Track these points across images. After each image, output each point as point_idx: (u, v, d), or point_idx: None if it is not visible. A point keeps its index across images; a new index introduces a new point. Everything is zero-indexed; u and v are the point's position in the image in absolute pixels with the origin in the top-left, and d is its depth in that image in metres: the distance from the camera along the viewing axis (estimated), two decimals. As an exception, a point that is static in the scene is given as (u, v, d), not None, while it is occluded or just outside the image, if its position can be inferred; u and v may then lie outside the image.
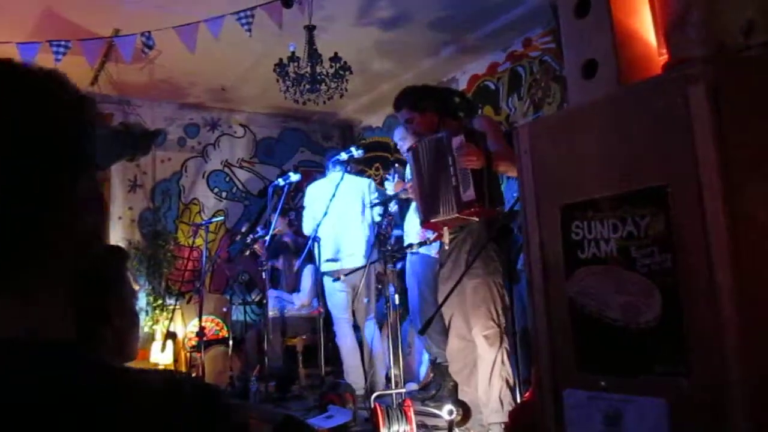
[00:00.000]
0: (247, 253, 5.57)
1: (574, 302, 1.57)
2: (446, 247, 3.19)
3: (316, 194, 4.62)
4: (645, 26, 1.64)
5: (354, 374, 4.40)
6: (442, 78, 6.21)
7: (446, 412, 2.23)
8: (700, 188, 1.31)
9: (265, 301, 4.93)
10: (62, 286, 0.67)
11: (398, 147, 4.49)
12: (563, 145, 1.62)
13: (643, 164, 1.43)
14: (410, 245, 3.71)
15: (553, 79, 5.04)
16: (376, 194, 4.56)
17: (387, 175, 3.73)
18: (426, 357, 4.53)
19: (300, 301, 5.45)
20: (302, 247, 5.36)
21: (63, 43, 4.26)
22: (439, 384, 4.06)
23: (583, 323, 1.55)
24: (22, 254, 0.63)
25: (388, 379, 3.73)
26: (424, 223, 3.28)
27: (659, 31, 1.63)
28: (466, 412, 2.29)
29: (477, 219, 3.01)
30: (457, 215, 3.01)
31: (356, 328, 4.59)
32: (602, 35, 1.60)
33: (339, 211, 4.51)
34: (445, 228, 3.16)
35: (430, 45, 5.62)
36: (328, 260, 4.51)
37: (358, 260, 4.35)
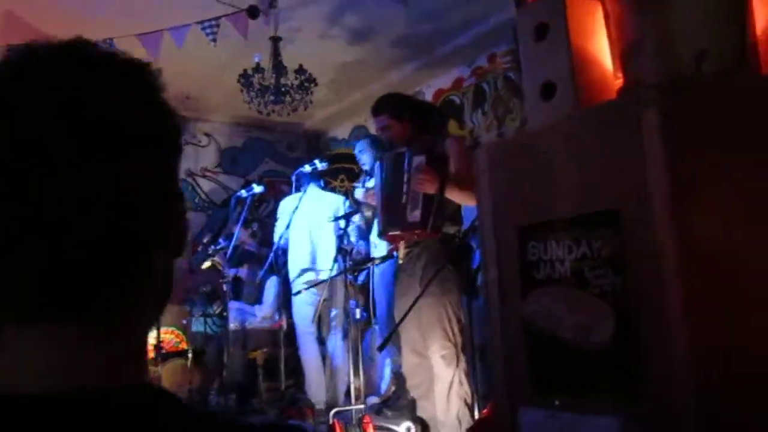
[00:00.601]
0: (208, 264, 5.50)
1: (529, 322, 1.58)
2: (400, 262, 3.20)
3: (287, 207, 4.59)
4: (602, 50, 1.68)
5: (315, 388, 4.37)
6: (408, 91, 6.21)
7: (404, 428, 2.22)
8: (652, 212, 1.34)
9: (225, 314, 4.87)
10: (149, 314, 0.60)
11: (358, 159, 4.48)
12: (520, 167, 1.64)
13: (597, 187, 1.45)
14: (372, 258, 3.71)
15: (516, 95, 5.11)
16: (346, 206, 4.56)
17: (356, 183, 3.71)
18: (388, 371, 4.52)
19: (262, 313, 5.39)
20: (266, 258, 5.32)
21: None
22: (399, 397, 4.06)
23: (537, 343, 1.57)
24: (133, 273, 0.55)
25: (348, 393, 3.70)
26: (382, 235, 3.28)
27: (615, 56, 1.67)
28: (424, 429, 2.28)
29: (419, 239, 3.02)
30: (400, 232, 3.03)
31: (320, 341, 4.55)
32: (560, 58, 1.62)
33: (312, 226, 4.50)
34: (402, 242, 3.17)
35: (396, 58, 5.66)
36: (302, 272, 4.46)
37: (326, 275, 4.34)
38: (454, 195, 3.00)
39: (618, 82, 1.65)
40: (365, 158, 4.40)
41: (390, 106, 3.33)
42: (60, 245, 0.50)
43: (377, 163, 3.35)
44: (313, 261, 4.46)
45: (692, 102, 1.38)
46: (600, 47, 1.68)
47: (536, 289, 1.58)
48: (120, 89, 0.57)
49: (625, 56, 1.62)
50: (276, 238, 4.50)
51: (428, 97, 6.13)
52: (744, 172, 1.35)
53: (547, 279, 1.54)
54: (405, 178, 3.00)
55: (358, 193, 3.98)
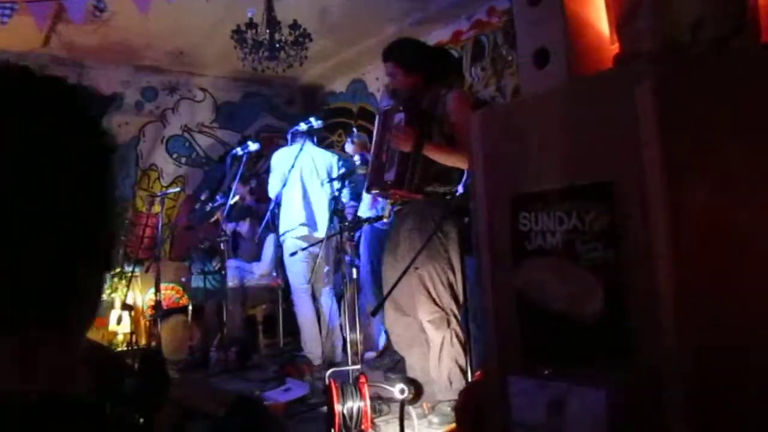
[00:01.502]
0: (212, 220, 5.51)
1: (521, 292, 1.59)
2: (385, 220, 3.14)
3: (281, 160, 4.54)
4: (598, 16, 1.63)
5: (311, 344, 4.42)
6: (405, 44, 6.14)
7: (398, 390, 2.26)
8: (644, 187, 1.33)
9: (224, 271, 4.90)
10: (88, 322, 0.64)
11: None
12: (513, 136, 1.62)
13: (589, 159, 1.43)
14: (365, 219, 3.71)
15: (515, 48, 5.02)
16: (343, 170, 4.52)
17: (348, 138, 3.65)
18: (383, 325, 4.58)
19: (260, 270, 5.42)
20: (264, 214, 5.32)
21: (8, 4, 4.07)
22: (393, 352, 4.12)
23: (528, 313, 1.57)
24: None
25: (345, 349, 3.75)
26: (367, 190, 3.22)
27: (611, 21, 1.62)
28: (417, 389, 2.32)
29: (402, 199, 2.96)
30: (379, 191, 2.97)
31: (314, 299, 4.58)
32: (554, 24, 1.58)
33: (306, 184, 4.48)
34: (387, 201, 3.12)
35: (394, 11, 5.53)
36: (296, 228, 4.44)
37: (322, 232, 4.34)
38: (439, 156, 2.92)
39: (614, 47, 1.61)
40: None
41: (398, 53, 3.17)
42: None
43: (376, 118, 3.26)
44: (308, 218, 4.45)
45: (688, 72, 1.35)
46: (596, 12, 1.64)
47: (528, 259, 1.58)
48: (42, 116, 0.58)
49: (621, 21, 1.58)
50: (272, 194, 4.47)
51: (426, 50, 6.02)
52: (741, 144, 1.33)
53: (539, 250, 1.54)
54: (386, 136, 2.94)
55: (348, 148, 3.93)
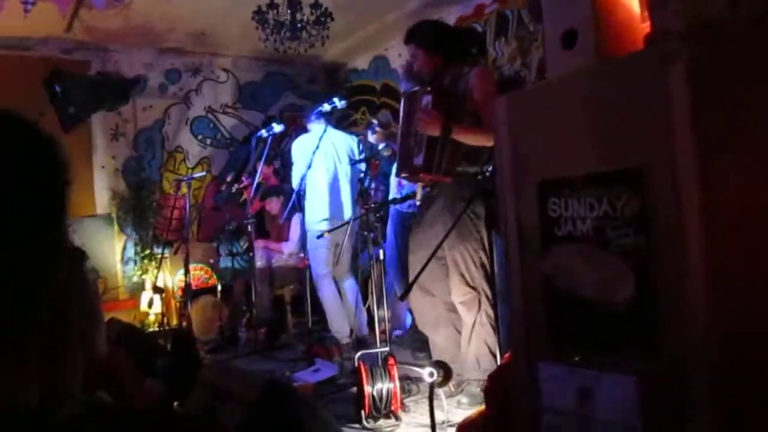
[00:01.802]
0: (242, 199, 5.54)
1: (549, 278, 1.57)
2: (417, 203, 3.15)
3: (301, 149, 4.54)
4: (627, -8, 1.58)
5: (338, 325, 4.45)
6: (428, 19, 6.05)
7: (427, 374, 2.26)
8: (676, 170, 1.29)
9: (251, 253, 4.94)
10: (36, 342, 0.66)
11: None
12: (541, 120, 1.59)
13: (620, 143, 1.40)
14: (394, 199, 3.69)
15: (539, 21, 4.92)
16: (363, 153, 4.50)
17: (367, 129, 3.63)
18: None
19: (288, 250, 5.46)
20: (289, 195, 5.34)
21: (32, -8, 4.09)
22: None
23: (557, 299, 1.55)
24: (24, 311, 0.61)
25: (372, 327, 3.77)
26: (397, 175, 3.21)
27: (643, 0, 1.57)
28: (446, 372, 2.32)
29: (429, 182, 2.93)
30: (407, 175, 2.95)
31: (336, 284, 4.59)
32: (583, 3, 1.54)
33: (330, 171, 4.48)
34: (418, 184, 3.11)
35: (415, -14, 5.46)
36: (322, 219, 4.45)
37: (345, 216, 4.34)
38: (466, 137, 2.89)
39: (645, 26, 1.56)
40: (402, 87, 4.29)
41: (419, 35, 3.18)
42: None
43: (401, 101, 3.25)
44: (335, 209, 4.45)
45: (723, 53, 1.30)
46: (626, -11, 1.58)
47: (556, 245, 1.55)
48: None
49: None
50: (296, 181, 4.48)
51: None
52: (776, 126, 1.29)
53: (568, 236, 1.52)
54: (414, 120, 2.91)
55: (371, 137, 3.91)
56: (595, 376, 1.48)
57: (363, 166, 3.75)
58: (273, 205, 5.72)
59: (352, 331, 4.40)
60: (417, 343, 4.23)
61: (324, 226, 4.30)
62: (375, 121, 3.51)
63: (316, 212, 4.46)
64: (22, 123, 0.70)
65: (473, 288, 2.94)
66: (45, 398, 0.69)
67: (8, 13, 4.19)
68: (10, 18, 4.27)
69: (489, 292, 2.95)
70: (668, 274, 1.32)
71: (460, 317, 3.05)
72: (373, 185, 4.22)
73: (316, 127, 4.48)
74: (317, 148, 4.16)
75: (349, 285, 4.52)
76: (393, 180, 4.20)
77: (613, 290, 1.42)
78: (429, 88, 2.92)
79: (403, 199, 3.56)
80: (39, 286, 0.65)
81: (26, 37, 5.87)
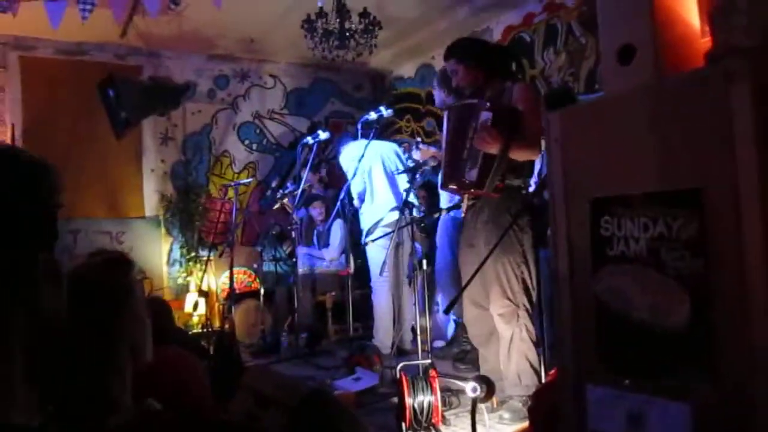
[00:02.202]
0: (278, 205, 5.60)
1: (600, 299, 1.53)
2: (462, 215, 3.16)
3: (348, 157, 4.58)
4: (688, 8, 1.54)
5: (383, 333, 4.45)
6: (475, 28, 6.02)
7: (470, 389, 2.24)
8: (737, 191, 1.25)
9: (294, 259, 4.98)
10: (17, 364, 0.67)
11: (434, 89, 4.33)
12: (595, 136, 1.55)
13: (678, 163, 1.36)
14: (439, 209, 3.68)
15: (591, 31, 4.84)
16: (405, 157, 4.50)
17: (413, 147, 3.63)
18: (453, 316, 4.55)
19: (329, 256, 5.49)
20: (333, 201, 5.37)
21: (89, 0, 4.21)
22: (462, 342, 4.10)
23: (608, 320, 1.52)
24: None
25: (415, 339, 3.75)
26: (443, 187, 3.22)
27: (704, 13, 1.53)
28: (489, 387, 2.29)
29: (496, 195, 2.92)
30: (456, 188, 2.95)
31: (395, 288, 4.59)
32: (641, 18, 1.50)
33: (375, 174, 4.50)
34: (465, 195, 3.11)
35: (464, -7, 5.44)
36: (375, 224, 4.48)
37: (390, 223, 4.33)
38: (518, 154, 2.90)
39: (706, 42, 1.51)
40: (435, 95, 4.29)
41: (458, 50, 3.23)
42: None
43: (445, 113, 3.26)
44: (384, 206, 4.46)
45: (789, 71, 1.25)
46: (686, 3, 1.54)
47: (608, 265, 1.52)
48: None
49: (715, 14, 1.48)
50: (355, 193, 4.52)
51: (497, 34, 5.90)
52: None
53: (621, 256, 1.48)
54: (470, 134, 2.90)
55: (416, 155, 3.92)
56: (647, 401, 1.44)
57: (408, 176, 3.74)
58: (316, 211, 5.76)
59: (393, 343, 4.39)
60: (459, 354, 4.20)
61: (382, 220, 4.30)
62: (419, 139, 3.51)
63: (370, 214, 4.47)
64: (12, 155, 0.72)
65: (512, 301, 2.92)
66: (93, 407, 0.70)
67: (66, 19, 4.32)
68: (68, 24, 4.40)
69: (528, 306, 2.93)
70: (727, 300, 1.28)
71: None
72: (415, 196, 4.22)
73: (361, 135, 4.50)
74: (362, 156, 4.17)
75: (401, 292, 4.52)
76: (443, 192, 4.18)
77: (667, 314, 1.38)
78: (488, 104, 2.92)
79: (449, 209, 3.55)
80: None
81: (82, 42, 6.05)
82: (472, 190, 2.90)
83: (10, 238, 0.65)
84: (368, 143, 4.15)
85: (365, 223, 4.57)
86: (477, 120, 2.87)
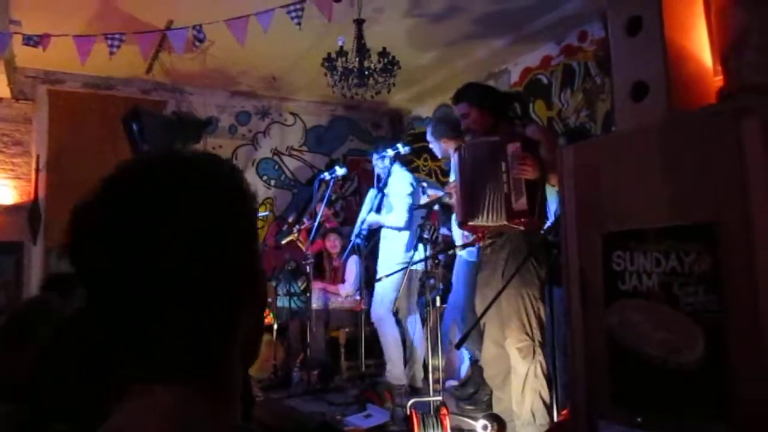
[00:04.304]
0: (290, 238, 5.61)
1: (613, 334, 1.52)
2: (484, 252, 3.16)
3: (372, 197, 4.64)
4: (700, 45, 1.56)
5: (395, 367, 4.41)
6: (494, 69, 6.09)
7: (481, 426, 2.21)
8: (751, 228, 1.25)
9: (309, 294, 4.97)
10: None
11: (429, 143, 4.39)
12: (609, 171, 1.56)
13: (691, 198, 1.36)
14: (454, 245, 3.67)
15: (608, 74, 4.88)
16: (426, 197, 4.51)
17: (438, 192, 3.67)
18: (467, 355, 4.50)
19: (345, 291, 5.48)
20: (348, 236, 5.38)
21: (117, 36, 4.34)
22: (477, 384, 4.04)
23: (620, 356, 1.50)
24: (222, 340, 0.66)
25: (426, 378, 3.71)
26: (462, 225, 3.23)
27: (715, 52, 1.55)
28: (500, 426, 2.25)
29: (522, 229, 2.94)
30: (506, 223, 2.95)
31: (398, 324, 4.57)
32: (654, 56, 1.52)
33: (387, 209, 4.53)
34: (485, 233, 3.13)
35: (482, 36, 5.51)
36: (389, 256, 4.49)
37: (398, 260, 4.34)
38: (552, 180, 2.94)
39: (717, 80, 1.53)
40: (435, 148, 4.33)
41: (469, 93, 3.30)
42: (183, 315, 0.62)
43: (456, 154, 3.30)
44: (399, 247, 4.47)
45: (802, 108, 1.26)
46: (698, 42, 1.56)
47: (620, 300, 1.51)
48: (198, 197, 0.65)
49: (726, 52, 1.50)
50: (357, 225, 4.54)
51: (515, 75, 5.96)
52: None
53: (633, 291, 1.48)
54: (503, 167, 2.94)
55: (423, 200, 3.95)
56: (660, 440, 1.41)
57: (423, 212, 3.75)
58: (332, 243, 5.77)
59: (407, 376, 4.35)
60: (471, 394, 4.14)
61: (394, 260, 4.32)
62: (425, 184, 3.56)
63: (384, 251, 4.49)
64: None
65: (530, 336, 2.91)
66: None
67: (94, 54, 4.44)
68: (96, 59, 4.53)
69: (542, 342, 2.91)
70: (742, 336, 1.27)
71: None
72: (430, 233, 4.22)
73: (380, 169, 4.53)
74: (380, 192, 4.21)
75: (411, 326, 4.50)
76: (455, 227, 4.18)
77: (681, 350, 1.37)
78: (512, 137, 2.98)
79: (464, 246, 3.55)
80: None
81: (109, 77, 6.21)
82: (522, 219, 2.92)
83: None
84: (386, 179, 4.18)
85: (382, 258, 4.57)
86: (506, 153, 2.92)
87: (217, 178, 0.68)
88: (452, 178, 3.58)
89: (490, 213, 3.00)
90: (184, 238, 0.61)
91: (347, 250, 5.13)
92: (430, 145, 4.29)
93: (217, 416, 0.65)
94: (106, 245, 0.60)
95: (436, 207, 3.62)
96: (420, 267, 3.98)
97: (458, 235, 4.08)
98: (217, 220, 0.64)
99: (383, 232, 4.61)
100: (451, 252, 4.09)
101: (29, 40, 4.33)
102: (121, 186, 0.64)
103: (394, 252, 4.48)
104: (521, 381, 2.92)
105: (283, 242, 5.72)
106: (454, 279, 4.33)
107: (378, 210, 4.51)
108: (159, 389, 0.63)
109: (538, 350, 2.92)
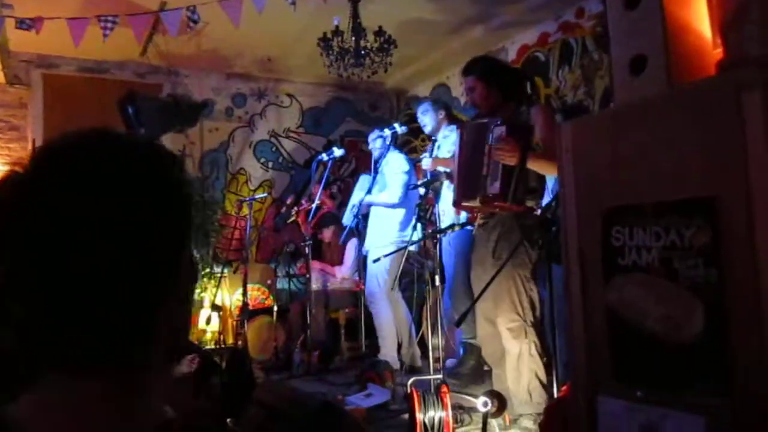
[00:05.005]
0: (292, 219, 5.61)
1: (612, 310, 1.52)
2: (475, 233, 3.17)
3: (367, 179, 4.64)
4: (699, 17, 1.54)
5: (390, 350, 4.44)
6: (491, 48, 6.05)
7: (481, 404, 2.22)
8: (750, 200, 1.24)
9: (308, 275, 4.98)
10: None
11: (419, 121, 4.37)
12: (607, 146, 1.55)
13: (690, 172, 1.36)
14: (452, 225, 3.66)
15: (605, 50, 4.85)
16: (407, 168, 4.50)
17: (423, 153, 3.66)
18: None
19: (342, 274, 5.49)
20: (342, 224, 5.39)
21: (110, 18, 4.29)
22: (471, 363, 4.07)
23: (620, 332, 1.50)
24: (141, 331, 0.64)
25: (426, 356, 3.73)
26: (456, 205, 3.22)
27: (715, 24, 1.53)
28: (501, 403, 2.27)
29: (499, 212, 2.94)
30: (479, 205, 2.96)
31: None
32: (653, 29, 1.51)
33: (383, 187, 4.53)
34: (478, 214, 3.13)
35: (479, 14, 5.47)
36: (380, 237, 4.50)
37: (391, 239, 4.34)
38: (539, 166, 2.90)
39: (717, 53, 1.51)
40: (427, 119, 4.31)
41: (479, 67, 3.25)
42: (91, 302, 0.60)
43: (457, 132, 3.28)
44: (392, 225, 4.47)
45: (802, 79, 1.25)
46: (697, 14, 1.55)
47: (620, 275, 1.51)
48: (128, 180, 0.63)
49: (726, 24, 1.48)
50: (349, 209, 4.56)
51: (512, 53, 5.93)
52: None
53: (633, 266, 1.47)
54: (486, 149, 2.92)
55: (425, 163, 3.92)
56: (660, 414, 1.41)
57: (422, 191, 3.75)
58: (326, 233, 5.77)
59: (402, 363, 4.38)
60: (469, 372, 4.16)
61: (386, 240, 4.32)
62: (425, 154, 3.55)
63: (375, 232, 4.49)
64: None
65: (521, 316, 2.92)
66: None
67: (88, 38, 4.41)
68: (90, 43, 4.50)
69: (534, 322, 2.94)
70: (741, 309, 1.26)
71: None
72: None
73: (375, 151, 4.52)
74: (376, 172, 4.20)
75: (404, 310, 4.52)
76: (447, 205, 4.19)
77: (680, 324, 1.37)
78: (498, 121, 2.94)
79: (461, 225, 3.54)
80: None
81: (104, 61, 6.17)
82: (495, 203, 2.91)
83: None
84: (380, 160, 4.17)
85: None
86: (492, 135, 2.89)
87: (139, 167, 0.65)
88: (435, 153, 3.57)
89: (472, 194, 3.01)
90: (97, 232, 0.59)
91: (344, 234, 5.13)
92: (420, 117, 4.27)
93: (128, 416, 0.63)
94: (20, 233, 0.59)
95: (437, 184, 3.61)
96: (414, 247, 3.98)
97: (451, 214, 4.08)
98: (132, 215, 0.62)
99: (373, 210, 4.61)
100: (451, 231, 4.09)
101: (22, 24, 4.29)
102: (42, 170, 0.62)
103: (387, 230, 4.47)
104: (515, 361, 2.94)
105: (288, 222, 5.72)
106: (445, 258, 4.34)
107: (370, 192, 4.51)
108: (64, 381, 0.61)
109: (530, 330, 2.93)
